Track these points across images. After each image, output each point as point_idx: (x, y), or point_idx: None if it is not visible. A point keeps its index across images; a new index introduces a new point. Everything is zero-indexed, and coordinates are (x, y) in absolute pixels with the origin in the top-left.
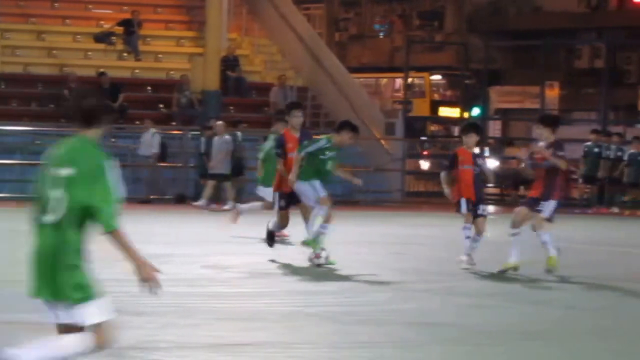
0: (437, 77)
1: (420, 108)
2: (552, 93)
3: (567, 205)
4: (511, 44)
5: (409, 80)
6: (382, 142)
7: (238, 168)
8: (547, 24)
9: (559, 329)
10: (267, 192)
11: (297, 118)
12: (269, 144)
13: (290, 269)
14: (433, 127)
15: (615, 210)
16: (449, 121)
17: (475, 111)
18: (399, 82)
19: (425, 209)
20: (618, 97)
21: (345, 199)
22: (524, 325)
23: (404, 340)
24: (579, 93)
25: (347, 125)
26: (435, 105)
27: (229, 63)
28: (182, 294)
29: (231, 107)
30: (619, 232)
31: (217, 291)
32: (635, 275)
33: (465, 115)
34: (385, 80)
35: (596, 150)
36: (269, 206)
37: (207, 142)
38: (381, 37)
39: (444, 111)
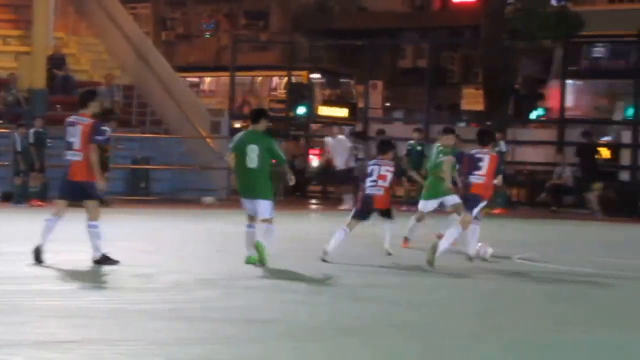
0: (316, 76)
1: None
2: (376, 92)
3: (395, 203)
4: (336, 43)
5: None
6: (208, 140)
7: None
8: (372, 24)
9: (377, 324)
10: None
11: None
12: None
13: (116, 267)
14: (315, 126)
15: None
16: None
17: (301, 110)
18: (275, 80)
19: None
20: (441, 96)
21: (171, 197)
22: (344, 321)
23: (229, 336)
24: (403, 92)
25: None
26: (322, 103)
27: (56, 62)
28: (7, 292)
29: (58, 106)
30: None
31: (43, 289)
32: (456, 270)
33: (291, 114)
34: (260, 78)
35: (419, 148)
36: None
37: (22, 140)
38: (208, 36)
39: (324, 110)
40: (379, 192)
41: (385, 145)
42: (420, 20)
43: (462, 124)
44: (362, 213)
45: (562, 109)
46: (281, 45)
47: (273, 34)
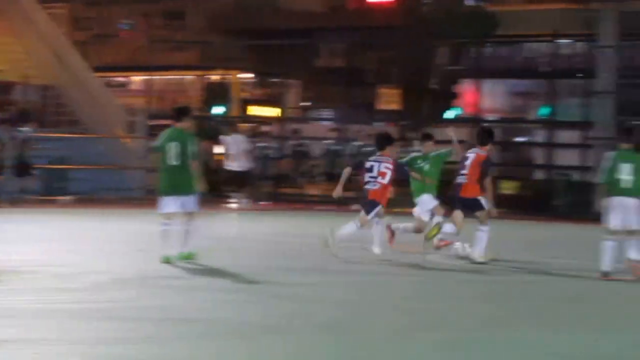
0: (246, 76)
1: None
2: (294, 92)
3: (310, 202)
4: (253, 43)
5: (213, 78)
6: (125, 140)
7: None
8: (288, 23)
9: (301, 323)
10: None
11: None
12: None
13: (37, 267)
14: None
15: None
16: (259, 120)
17: (218, 110)
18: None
19: None
20: (357, 96)
21: (89, 197)
22: (268, 320)
23: (152, 336)
24: (321, 92)
25: None
26: (244, 104)
27: None
28: None
29: None
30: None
31: None
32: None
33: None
34: (190, 78)
35: (336, 147)
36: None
37: None
38: (125, 36)
39: (254, 110)
40: (375, 187)
41: (384, 141)
42: (336, 20)
43: (379, 124)
44: (370, 208)
45: (478, 108)
46: (199, 45)
47: (191, 33)
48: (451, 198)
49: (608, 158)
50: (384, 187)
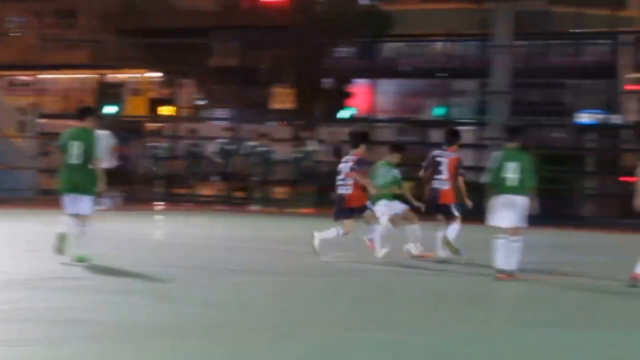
0: (155, 75)
1: (137, 107)
2: (187, 91)
3: (203, 203)
4: (146, 42)
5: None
6: (15, 140)
7: None
8: (181, 22)
9: (188, 325)
10: None
11: None
12: None
13: None
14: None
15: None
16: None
17: (110, 109)
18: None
19: (58, 207)
20: (251, 95)
21: None
22: (155, 322)
23: (38, 338)
24: (214, 91)
25: None
26: (153, 103)
27: None
28: None
29: None
30: (244, 228)
31: None
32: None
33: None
34: (84, 77)
35: (229, 147)
36: None
37: None
38: (15, 34)
39: (164, 110)
40: (348, 191)
41: (358, 139)
42: (231, 19)
43: (272, 123)
44: (337, 214)
45: (372, 108)
46: (91, 44)
47: (83, 32)
48: (429, 203)
49: (494, 158)
50: (357, 187)
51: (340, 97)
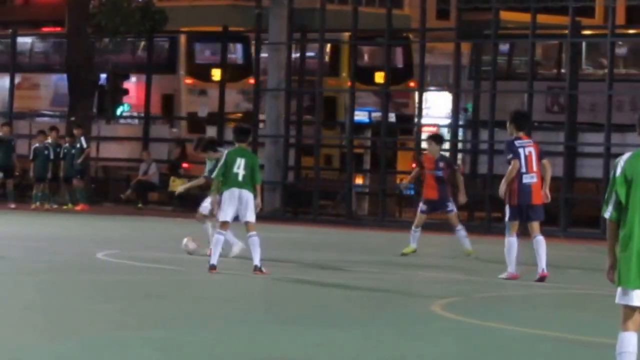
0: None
1: None
2: None
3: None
4: None
5: None
6: None
7: None
8: None
9: None
10: None
11: None
12: None
13: None
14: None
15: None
16: None
17: None
18: None
19: None
20: None
21: None
22: None
23: None
24: None
25: None
26: None
27: None
28: None
29: None
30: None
31: None
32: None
33: None
34: None
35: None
36: None
37: None
38: None
39: None
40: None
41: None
42: (2, 14)
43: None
44: None
45: (148, 105)
46: None
47: None
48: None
49: (223, 155)
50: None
51: (116, 94)
